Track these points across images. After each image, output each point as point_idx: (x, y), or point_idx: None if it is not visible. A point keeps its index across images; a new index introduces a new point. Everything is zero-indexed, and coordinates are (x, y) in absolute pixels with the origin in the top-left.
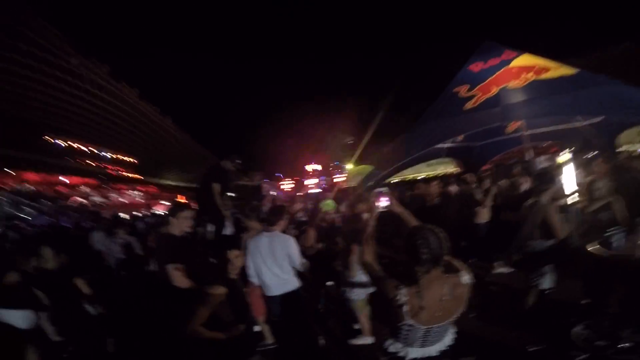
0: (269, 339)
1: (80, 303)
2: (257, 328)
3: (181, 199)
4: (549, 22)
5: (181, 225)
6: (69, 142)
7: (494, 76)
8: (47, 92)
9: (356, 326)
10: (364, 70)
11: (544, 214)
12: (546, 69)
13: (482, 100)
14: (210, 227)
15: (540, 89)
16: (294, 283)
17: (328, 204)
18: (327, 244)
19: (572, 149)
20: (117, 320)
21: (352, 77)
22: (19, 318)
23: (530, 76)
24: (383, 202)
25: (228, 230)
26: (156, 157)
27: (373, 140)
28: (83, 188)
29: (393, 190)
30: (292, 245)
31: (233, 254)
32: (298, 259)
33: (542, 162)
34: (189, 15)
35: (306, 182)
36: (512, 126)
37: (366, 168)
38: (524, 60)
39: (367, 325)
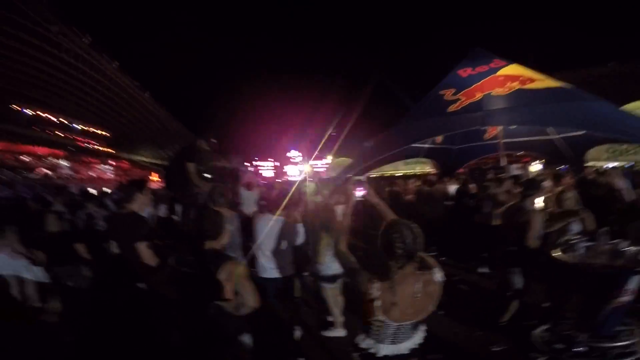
0: None
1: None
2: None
3: (154, 177)
4: (540, 36)
5: (144, 203)
6: (37, 112)
7: (480, 82)
8: (20, 60)
9: (330, 318)
10: (350, 62)
11: (528, 218)
12: (531, 80)
13: (465, 104)
14: (178, 208)
15: (522, 98)
16: (288, 269)
17: (310, 187)
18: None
19: (543, 160)
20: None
21: (337, 67)
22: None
23: (515, 85)
24: (360, 192)
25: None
26: (131, 132)
27: (354, 133)
28: (50, 159)
29: (371, 183)
30: (288, 229)
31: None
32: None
33: (514, 170)
34: None
35: (286, 168)
36: (490, 133)
37: (346, 160)
38: (512, 69)
39: (340, 317)
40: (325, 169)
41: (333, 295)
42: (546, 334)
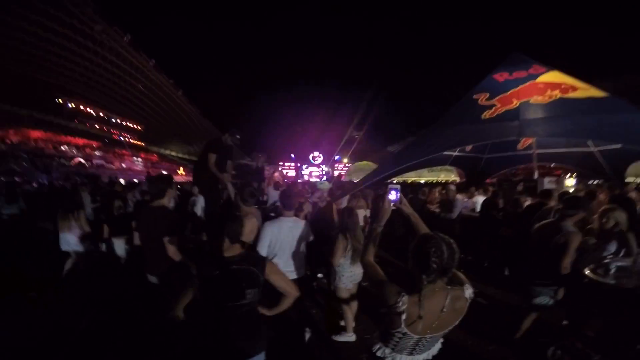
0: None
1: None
2: None
3: (180, 170)
4: (580, 43)
5: (172, 195)
6: (79, 105)
7: (517, 88)
8: (66, 56)
9: (342, 322)
10: (377, 67)
11: (566, 239)
12: (574, 88)
13: (501, 111)
14: (201, 201)
15: (564, 107)
16: (302, 270)
17: (324, 184)
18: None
19: (576, 174)
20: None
21: (363, 73)
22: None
23: (556, 94)
24: (393, 197)
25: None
26: (162, 127)
27: (376, 138)
28: (87, 150)
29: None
30: (308, 232)
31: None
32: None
33: (546, 184)
34: None
35: (308, 169)
36: (524, 143)
37: (367, 164)
38: (552, 76)
39: (352, 322)
40: (345, 171)
41: (347, 298)
42: (560, 351)
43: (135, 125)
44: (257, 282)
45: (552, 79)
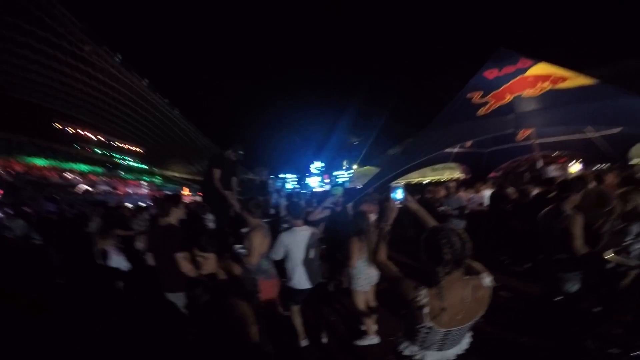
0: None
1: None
2: None
3: (185, 191)
4: (566, 32)
5: (179, 215)
6: (78, 130)
7: (508, 84)
8: (59, 79)
9: (362, 327)
10: (374, 71)
11: (568, 223)
12: (563, 79)
13: (495, 107)
14: (211, 217)
15: (556, 98)
16: (319, 277)
17: (337, 189)
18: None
19: (581, 159)
20: None
21: (359, 77)
22: None
23: (547, 85)
24: (399, 195)
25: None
26: (162, 148)
27: (378, 142)
28: (90, 176)
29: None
30: (317, 240)
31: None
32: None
33: (551, 172)
34: (208, 9)
35: (311, 179)
36: (522, 134)
37: (371, 169)
38: (541, 69)
39: (373, 325)
40: (349, 178)
41: (365, 300)
42: (599, 339)
43: (136, 148)
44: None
45: (541, 72)
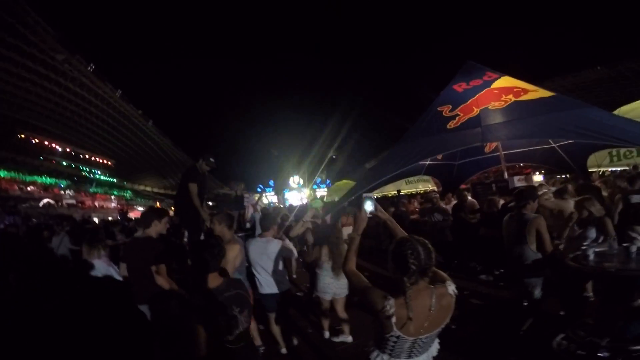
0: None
1: None
2: None
3: (157, 206)
4: (528, 45)
5: (160, 229)
6: (43, 141)
7: (475, 97)
8: (26, 88)
9: (337, 326)
10: (346, 85)
11: (536, 227)
12: (525, 91)
13: (463, 120)
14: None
15: (519, 110)
16: (285, 284)
17: (317, 202)
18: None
19: (543, 171)
20: None
21: (334, 90)
22: None
23: (510, 98)
24: (369, 207)
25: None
26: (134, 161)
27: (352, 156)
28: (55, 190)
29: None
30: (283, 249)
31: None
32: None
33: (517, 182)
34: (183, 19)
35: (288, 194)
36: (490, 146)
37: (348, 183)
38: (504, 82)
39: (346, 325)
40: (326, 192)
41: (329, 308)
42: (566, 342)
43: (105, 161)
44: (247, 303)
45: (505, 84)
